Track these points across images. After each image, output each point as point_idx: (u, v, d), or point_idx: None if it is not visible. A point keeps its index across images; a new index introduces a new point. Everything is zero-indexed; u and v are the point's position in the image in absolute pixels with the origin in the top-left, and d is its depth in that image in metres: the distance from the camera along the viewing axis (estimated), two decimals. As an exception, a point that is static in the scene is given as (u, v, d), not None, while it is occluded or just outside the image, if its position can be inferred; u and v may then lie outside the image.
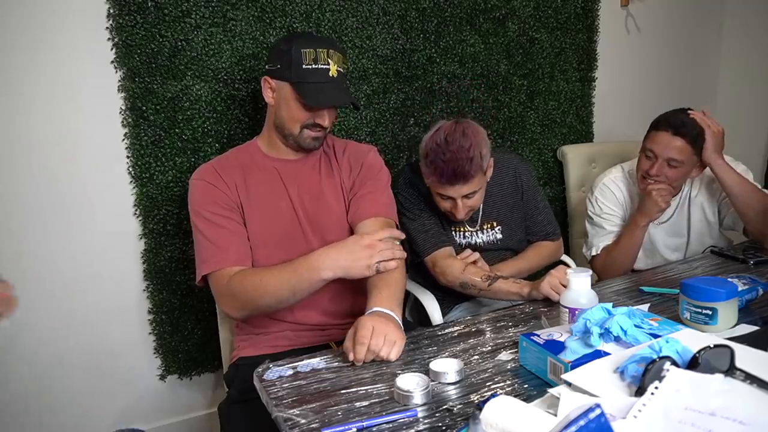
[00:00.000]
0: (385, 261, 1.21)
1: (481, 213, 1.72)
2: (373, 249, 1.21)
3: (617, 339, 0.95)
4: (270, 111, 1.47)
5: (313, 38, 1.43)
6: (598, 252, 1.86)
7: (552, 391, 0.85)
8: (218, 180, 1.41)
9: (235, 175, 1.43)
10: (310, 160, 1.51)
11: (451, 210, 1.59)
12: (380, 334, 1.08)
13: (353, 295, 1.44)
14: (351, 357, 1.07)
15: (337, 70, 1.39)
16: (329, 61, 1.38)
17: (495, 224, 1.74)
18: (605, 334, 0.95)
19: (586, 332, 0.96)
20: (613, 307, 0.99)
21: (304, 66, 1.36)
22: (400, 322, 1.18)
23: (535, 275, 1.60)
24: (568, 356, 0.93)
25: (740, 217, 1.76)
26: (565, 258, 2.01)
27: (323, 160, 1.52)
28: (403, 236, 1.34)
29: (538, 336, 1.01)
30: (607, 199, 1.89)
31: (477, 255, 1.67)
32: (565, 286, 1.24)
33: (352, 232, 1.45)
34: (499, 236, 1.74)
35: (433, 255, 1.63)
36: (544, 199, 1.84)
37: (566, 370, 0.90)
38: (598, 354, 0.93)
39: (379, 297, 1.22)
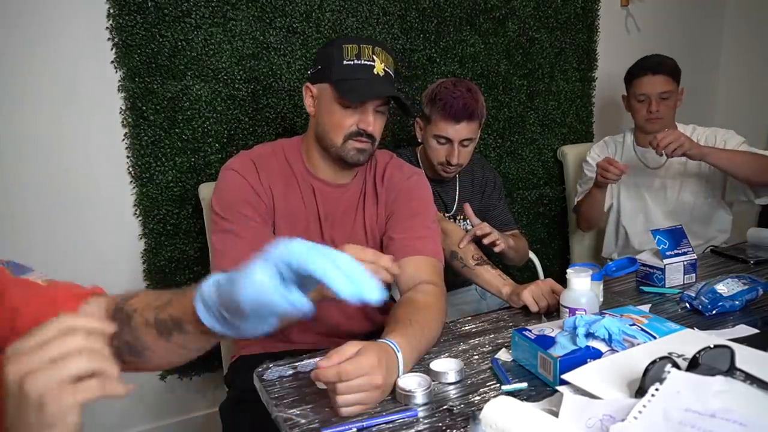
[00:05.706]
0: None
1: (456, 203, 1.80)
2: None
3: (604, 341, 0.96)
4: (311, 122, 1.32)
5: (359, 37, 1.28)
6: None
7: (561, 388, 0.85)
8: (254, 177, 1.25)
9: (276, 179, 1.28)
10: (354, 187, 1.35)
11: (446, 158, 1.65)
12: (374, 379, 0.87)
13: (360, 316, 1.38)
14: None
15: (384, 69, 1.23)
16: (374, 57, 1.21)
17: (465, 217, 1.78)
18: (591, 335, 0.96)
19: (575, 329, 0.97)
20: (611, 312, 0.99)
21: (345, 62, 1.20)
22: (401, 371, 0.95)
23: (521, 277, 1.59)
24: (557, 351, 0.93)
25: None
26: (531, 256, 2.07)
27: (368, 189, 1.36)
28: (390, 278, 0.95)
29: (530, 331, 1.01)
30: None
31: (496, 235, 1.56)
32: (549, 301, 1.24)
33: None
34: (470, 227, 1.75)
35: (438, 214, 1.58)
36: (503, 201, 1.91)
37: (555, 365, 0.91)
38: (588, 350, 0.93)
39: (404, 332, 1.01)
